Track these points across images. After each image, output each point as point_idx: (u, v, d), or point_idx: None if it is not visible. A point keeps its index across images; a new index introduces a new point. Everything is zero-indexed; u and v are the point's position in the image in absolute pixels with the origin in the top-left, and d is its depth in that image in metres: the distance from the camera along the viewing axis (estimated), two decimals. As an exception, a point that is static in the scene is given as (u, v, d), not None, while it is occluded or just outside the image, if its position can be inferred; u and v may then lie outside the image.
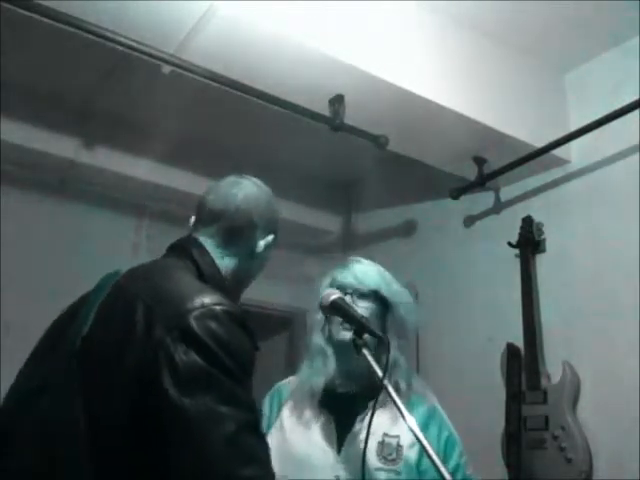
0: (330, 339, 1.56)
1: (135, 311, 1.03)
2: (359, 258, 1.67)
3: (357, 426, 1.49)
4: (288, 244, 3.21)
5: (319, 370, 1.54)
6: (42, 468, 1.00)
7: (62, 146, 2.85)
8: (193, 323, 0.99)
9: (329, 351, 1.56)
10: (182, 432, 0.94)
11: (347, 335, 1.48)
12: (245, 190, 1.32)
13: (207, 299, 1.04)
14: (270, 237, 1.31)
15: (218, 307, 1.03)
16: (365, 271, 1.61)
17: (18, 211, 2.80)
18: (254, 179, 1.37)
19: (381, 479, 1.42)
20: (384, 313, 1.59)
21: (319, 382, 1.53)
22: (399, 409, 1.26)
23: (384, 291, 1.59)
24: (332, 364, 1.55)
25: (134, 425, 0.96)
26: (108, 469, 0.96)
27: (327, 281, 1.62)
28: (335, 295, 1.48)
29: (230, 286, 1.24)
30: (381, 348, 1.43)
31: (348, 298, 1.54)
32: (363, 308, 1.53)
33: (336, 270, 1.63)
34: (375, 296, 1.58)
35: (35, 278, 2.76)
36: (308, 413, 1.53)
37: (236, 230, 1.27)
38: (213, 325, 1.00)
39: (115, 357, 1.01)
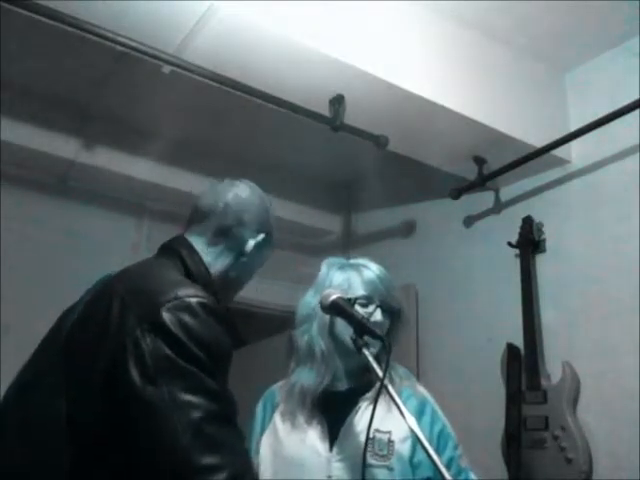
0: (335, 341, 1.54)
1: (112, 307, 1.04)
2: (370, 261, 1.63)
3: (348, 423, 1.48)
4: (288, 244, 3.22)
5: (319, 372, 1.52)
6: (27, 463, 1.01)
7: (62, 146, 2.85)
8: (164, 315, 0.99)
9: (333, 353, 1.54)
10: (145, 420, 0.94)
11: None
12: (235, 190, 1.33)
13: (181, 292, 1.04)
14: (260, 236, 1.30)
15: (193, 299, 1.03)
16: (392, 287, 1.59)
17: (18, 211, 2.80)
18: (249, 182, 1.37)
19: (375, 475, 1.40)
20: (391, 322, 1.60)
21: (318, 384, 1.51)
22: (400, 409, 1.26)
23: (404, 309, 1.60)
24: (334, 366, 1.54)
25: (108, 418, 0.97)
26: (86, 463, 0.97)
27: (342, 278, 1.58)
28: (335, 295, 1.46)
29: (219, 284, 1.24)
30: (382, 350, 1.43)
31: (371, 308, 1.53)
32: (384, 323, 1.53)
33: (354, 270, 1.59)
34: (397, 314, 1.59)
35: (35, 278, 2.76)
36: (301, 414, 1.52)
37: (224, 228, 1.28)
38: (185, 317, 1.00)
39: (92, 353, 1.02)
